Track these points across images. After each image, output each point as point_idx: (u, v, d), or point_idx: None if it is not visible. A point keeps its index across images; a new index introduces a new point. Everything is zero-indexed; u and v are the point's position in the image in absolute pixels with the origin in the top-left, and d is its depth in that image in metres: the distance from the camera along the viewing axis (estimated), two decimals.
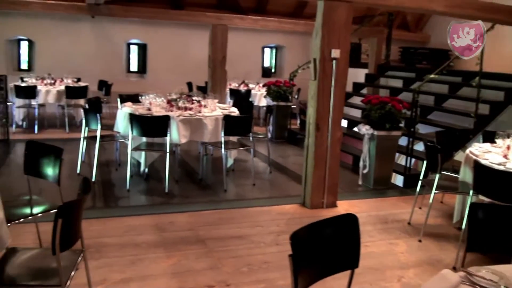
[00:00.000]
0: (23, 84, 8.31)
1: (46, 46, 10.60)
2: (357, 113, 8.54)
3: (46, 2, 8.73)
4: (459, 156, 5.33)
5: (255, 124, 7.25)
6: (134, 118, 4.96)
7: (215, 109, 5.62)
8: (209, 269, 3.39)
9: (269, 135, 7.89)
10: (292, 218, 4.59)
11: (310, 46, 4.92)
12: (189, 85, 10.51)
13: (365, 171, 5.79)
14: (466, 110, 6.66)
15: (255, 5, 10.67)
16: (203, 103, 5.64)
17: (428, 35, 11.50)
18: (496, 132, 4.29)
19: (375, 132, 5.55)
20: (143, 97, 5.67)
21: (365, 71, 9.99)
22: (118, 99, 6.20)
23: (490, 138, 4.54)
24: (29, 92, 8.10)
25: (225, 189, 5.33)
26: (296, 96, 10.07)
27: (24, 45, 11.00)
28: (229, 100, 9.45)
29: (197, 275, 3.28)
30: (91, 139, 5.52)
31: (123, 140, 5.60)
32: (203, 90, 9.54)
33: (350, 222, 2.02)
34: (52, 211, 2.92)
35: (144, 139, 5.25)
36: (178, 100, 5.53)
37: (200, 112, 5.40)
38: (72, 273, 2.24)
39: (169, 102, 5.50)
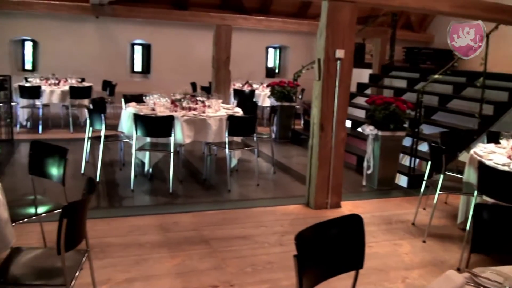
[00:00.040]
0: (27, 84, 8.35)
1: (50, 47, 10.63)
2: (361, 114, 8.52)
3: (50, 2, 8.75)
4: (463, 156, 5.31)
5: (259, 125, 7.26)
6: (138, 118, 4.97)
7: (219, 109, 5.63)
8: (213, 269, 3.39)
9: (273, 136, 7.88)
10: (296, 218, 4.59)
11: (314, 46, 4.92)
12: (193, 85, 10.53)
13: (369, 172, 5.78)
14: (470, 111, 6.64)
15: (259, 5, 10.67)
16: (207, 103, 5.64)
17: (432, 35, 11.47)
18: (500, 132, 4.27)
19: (379, 133, 5.54)
20: (147, 97, 5.68)
21: (369, 71, 9.97)
22: (122, 99, 6.22)
23: (494, 138, 4.53)
24: (33, 92, 8.14)
25: (229, 189, 5.33)
26: (300, 97, 10.05)
27: (28, 46, 11.03)
28: (233, 101, 9.44)
29: (201, 275, 3.29)
30: (95, 139, 5.55)
31: (127, 140, 5.61)
32: (207, 91, 9.55)
33: (355, 222, 2.02)
34: (56, 211, 2.93)
35: (148, 139, 5.26)
36: (182, 100, 5.54)
37: (204, 112, 5.41)
38: (77, 273, 2.25)
39: (173, 102, 5.51)
